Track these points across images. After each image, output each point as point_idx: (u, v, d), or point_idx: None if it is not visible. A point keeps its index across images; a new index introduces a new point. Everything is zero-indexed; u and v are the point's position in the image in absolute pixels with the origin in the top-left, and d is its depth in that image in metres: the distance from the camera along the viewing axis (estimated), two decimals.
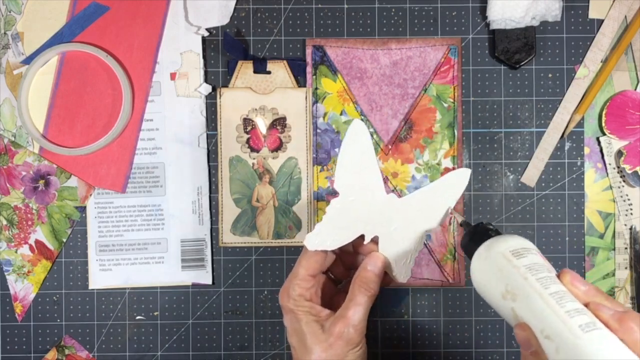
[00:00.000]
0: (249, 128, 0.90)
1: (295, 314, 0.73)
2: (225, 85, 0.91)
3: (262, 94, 0.90)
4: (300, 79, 0.91)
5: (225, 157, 0.90)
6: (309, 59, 0.90)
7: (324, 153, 0.90)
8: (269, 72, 0.90)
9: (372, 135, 0.90)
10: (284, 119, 0.90)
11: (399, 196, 0.75)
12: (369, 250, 0.76)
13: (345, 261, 0.80)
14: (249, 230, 0.91)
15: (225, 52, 0.90)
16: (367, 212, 0.73)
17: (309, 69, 0.90)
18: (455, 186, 0.75)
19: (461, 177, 0.75)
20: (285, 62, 0.90)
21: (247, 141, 0.90)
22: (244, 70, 0.90)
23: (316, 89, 0.90)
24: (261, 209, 0.91)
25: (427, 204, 0.75)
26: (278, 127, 0.90)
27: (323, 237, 0.72)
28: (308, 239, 0.72)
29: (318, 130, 0.90)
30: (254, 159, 0.90)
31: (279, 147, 0.90)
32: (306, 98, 0.90)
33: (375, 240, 0.75)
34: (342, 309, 0.72)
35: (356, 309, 0.72)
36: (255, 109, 0.90)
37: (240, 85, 0.90)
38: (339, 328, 0.71)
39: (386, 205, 0.74)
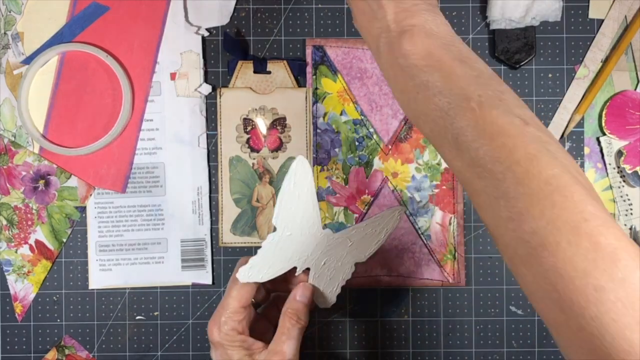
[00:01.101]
0: (249, 128, 0.90)
1: (226, 349, 0.71)
2: (225, 85, 0.91)
3: (262, 94, 0.90)
4: (300, 79, 0.91)
5: (225, 157, 0.90)
6: (309, 59, 0.90)
7: (323, 153, 0.90)
8: (269, 72, 0.90)
9: (372, 136, 0.90)
10: (284, 119, 0.90)
11: (336, 231, 0.75)
12: (299, 281, 0.75)
13: (268, 286, 0.77)
14: (249, 230, 0.91)
15: (225, 52, 0.90)
16: (302, 246, 0.73)
17: (309, 69, 0.90)
18: (387, 224, 0.76)
19: (393, 216, 0.75)
20: (285, 62, 0.90)
21: (247, 141, 0.90)
22: (244, 70, 0.90)
23: (316, 89, 0.90)
24: (261, 209, 0.91)
25: (360, 239, 0.75)
26: (278, 127, 0.90)
27: (257, 270, 0.72)
28: (241, 272, 0.71)
29: (318, 130, 0.90)
30: (254, 159, 0.90)
31: (279, 147, 0.90)
32: (306, 98, 0.90)
33: (305, 272, 0.75)
34: (276, 343, 0.71)
35: (290, 342, 0.71)
36: (255, 109, 0.90)
37: (240, 85, 0.90)
38: None
39: (322, 240, 0.74)
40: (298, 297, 0.73)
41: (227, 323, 0.70)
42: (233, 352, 0.70)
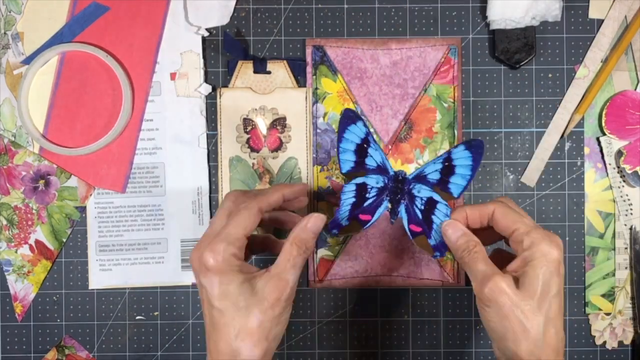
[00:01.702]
0: (249, 128, 0.90)
1: (227, 275, 0.68)
2: (225, 85, 0.91)
3: (262, 94, 0.90)
4: (300, 79, 0.91)
5: (225, 157, 0.90)
6: (309, 59, 0.90)
7: (324, 153, 0.90)
8: (269, 72, 0.90)
9: (372, 136, 0.90)
10: (284, 119, 0.90)
11: None
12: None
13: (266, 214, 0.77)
14: None
15: (225, 52, 0.90)
16: None
17: (309, 69, 0.90)
18: None
19: None
20: (285, 62, 0.90)
21: (247, 141, 0.90)
22: (244, 70, 0.90)
23: (316, 89, 0.90)
24: None
25: None
26: (278, 127, 0.90)
27: None
28: None
29: (318, 130, 0.90)
30: (254, 159, 0.90)
31: (279, 147, 0.90)
32: (306, 98, 0.90)
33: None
34: (280, 269, 0.70)
35: (294, 271, 0.70)
36: (255, 109, 0.90)
37: (240, 85, 0.90)
38: (279, 289, 0.69)
39: None
40: (309, 225, 0.73)
41: (228, 249, 0.69)
42: (232, 278, 0.68)
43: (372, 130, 0.90)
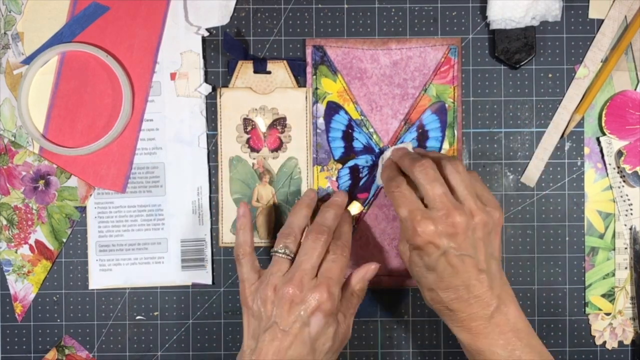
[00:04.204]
0: (249, 128, 0.90)
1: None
2: (225, 85, 0.91)
3: (262, 94, 0.90)
4: (300, 79, 0.91)
5: (225, 157, 0.90)
6: (309, 59, 0.90)
7: (324, 153, 0.90)
8: (269, 72, 0.90)
9: (372, 136, 0.90)
10: (284, 119, 0.90)
11: None
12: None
13: None
14: None
15: (225, 52, 0.90)
16: None
17: (309, 69, 0.90)
18: None
19: None
20: (285, 62, 0.90)
21: (247, 141, 0.90)
22: (244, 70, 0.90)
23: (316, 89, 0.90)
24: (261, 209, 0.91)
25: None
26: (278, 127, 0.90)
27: None
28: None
29: (318, 131, 0.90)
30: (254, 159, 0.90)
31: (279, 147, 0.90)
32: (306, 98, 0.90)
33: None
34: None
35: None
36: (255, 109, 0.90)
37: (240, 85, 0.90)
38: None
39: None
40: (367, 276, 0.84)
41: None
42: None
43: (372, 130, 0.90)
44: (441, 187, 0.75)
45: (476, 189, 0.78)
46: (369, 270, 0.84)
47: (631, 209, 0.91)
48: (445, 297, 0.76)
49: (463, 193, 0.76)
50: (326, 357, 0.78)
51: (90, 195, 0.91)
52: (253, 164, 0.90)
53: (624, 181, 0.91)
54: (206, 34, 0.91)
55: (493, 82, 0.91)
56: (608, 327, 0.91)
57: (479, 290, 0.74)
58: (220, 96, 0.90)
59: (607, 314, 0.91)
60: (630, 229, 0.91)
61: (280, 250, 0.80)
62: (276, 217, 0.91)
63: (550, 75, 0.91)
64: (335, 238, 0.82)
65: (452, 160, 0.78)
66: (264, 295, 0.77)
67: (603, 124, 0.90)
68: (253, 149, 0.90)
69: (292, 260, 0.80)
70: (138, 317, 0.92)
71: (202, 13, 0.91)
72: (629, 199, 0.91)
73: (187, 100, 0.90)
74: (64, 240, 0.92)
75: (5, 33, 0.91)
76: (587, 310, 0.91)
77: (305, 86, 0.90)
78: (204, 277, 0.91)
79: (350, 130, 0.91)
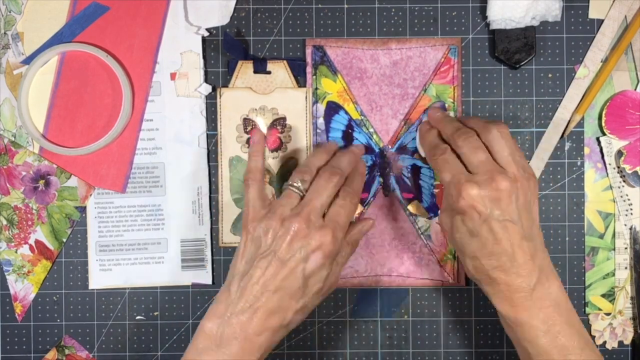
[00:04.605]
0: (249, 128, 0.90)
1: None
2: (225, 85, 0.91)
3: (262, 94, 0.90)
4: (300, 79, 0.91)
5: (225, 157, 0.90)
6: (309, 59, 0.90)
7: None
8: (269, 72, 0.90)
9: (372, 136, 0.90)
10: (284, 119, 0.90)
11: None
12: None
13: None
14: None
15: (225, 52, 0.90)
16: None
17: (309, 69, 0.90)
18: None
19: None
20: (285, 62, 0.90)
21: (247, 141, 0.90)
22: (244, 70, 0.90)
23: (316, 89, 0.90)
24: None
25: None
26: (278, 127, 0.90)
27: None
28: None
29: (318, 131, 0.90)
30: None
31: (279, 147, 0.90)
32: (306, 98, 0.90)
33: None
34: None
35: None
36: (255, 109, 0.90)
37: (240, 85, 0.90)
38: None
39: None
40: (365, 228, 0.86)
41: None
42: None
43: (371, 130, 0.90)
44: (484, 153, 0.76)
45: (517, 156, 0.78)
46: (366, 224, 0.86)
47: (631, 209, 0.91)
48: (488, 264, 0.75)
49: (508, 158, 0.76)
50: (312, 299, 0.79)
51: (90, 195, 0.91)
52: None
53: (624, 181, 0.91)
54: (206, 34, 0.91)
55: (493, 82, 0.91)
56: (608, 327, 0.91)
57: (521, 258, 0.74)
58: (220, 96, 0.90)
59: (607, 314, 0.91)
60: (630, 229, 0.91)
61: (295, 184, 0.80)
62: None
63: (550, 75, 0.91)
64: (347, 184, 0.83)
65: (499, 125, 0.78)
66: (269, 224, 0.77)
67: (603, 124, 0.90)
68: None
69: (303, 197, 0.80)
70: (138, 317, 0.92)
71: (202, 13, 0.91)
72: (629, 199, 0.91)
73: (187, 100, 0.90)
74: (64, 240, 0.92)
75: (5, 33, 0.91)
76: (587, 310, 0.91)
77: (305, 86, 0.90)
78: (204, 277, 0.91)
79: (350, 130, 0.91)
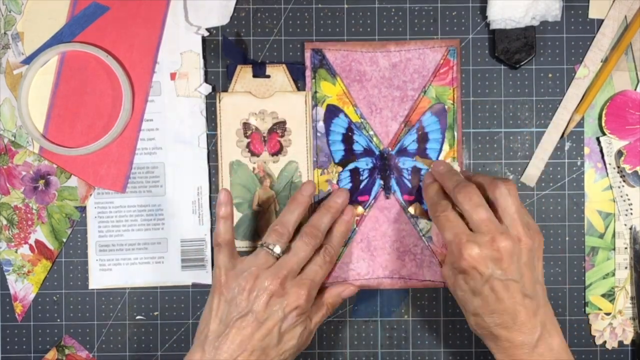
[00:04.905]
0: (249, 132, 0.90)
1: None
2: (225, 89, 0.91)
3: (262, 98, 0.90)
4: (299, 82, 0.91)
5: (225, 161, 0.90)
6: (308, 62, 0.90)
7: (324, 156, 0.90)
8: (268, 76, 0.90)
9: (372, 138, 0.90)
10: (284, 122, 0.90)
11: None
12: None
13: None
14: (250, 234, 0.91)
15: (224, 56, 0.90)
16: None
17: (308, 73, 0.90)
18: None
19: None
20: (284, 66, 0.90)
21: (247, 145, 0.90)
22: (243, 74, 0.90)
23: (315, 92, 0.90)
24: (262, 213, 0.91)
25: None
26: (278, 131, 0.90)
27: None
28: None
29: (318, 134, 0.90)
30: (254, 163, 0.90)
31: (279, 151, 0.90)
32: (306, 102, 0.90)
33: None
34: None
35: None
36: (255, 113, 0.90)
37: (239, 90, 0.90)
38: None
39: None
40: (344, 294, 0.88)
41: None
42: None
43: (372, 132, 0.90)
44: (486, 212, 0.76)
45: (523, 214, 0.78)
46: (347, 289, 0.88)
47: (631, 209, 0.91)
48: (490, 321, 0.76)
49: (514, 216, 0.76)
50: (283, 356, 0.80)
51: (90, 195, 0.91)
52: (253, 168, 0.90)
53: (624, 181, 0.91)
54: (206, 34, 0.91)
55: (493, 82, 0.91)
56: (608, 327, 0.91)
57: (523, 316, 0.75)
58: (220, 101, 0.90)
59: (607, 314, 0.91)
60: (630, 228, 0.91)
61: (270, 247, 0.81)
62: None
63: (550, 75, 0.91)
64: (327, 241, 0.84)
65: (507, 182, 0.78)
66: (244, 283, 0.78)
67: (603, 124, 0.90)
68: (253, 153, 0.90)
69: (278, 258, 0.81)
70: (138, 317, 0.92)
71: (202, 13, 0.91)
72: (629, 199, 0.91)
73: (187, 100, 0.90)
74: (64, 240, 0.92)
75: (5, 33, 0.91)
76: (587, 310, 0.91)
77: (304, 90, 0.90)
78: (204, 277, 0.91)
79: (350, 133, 0.91)
